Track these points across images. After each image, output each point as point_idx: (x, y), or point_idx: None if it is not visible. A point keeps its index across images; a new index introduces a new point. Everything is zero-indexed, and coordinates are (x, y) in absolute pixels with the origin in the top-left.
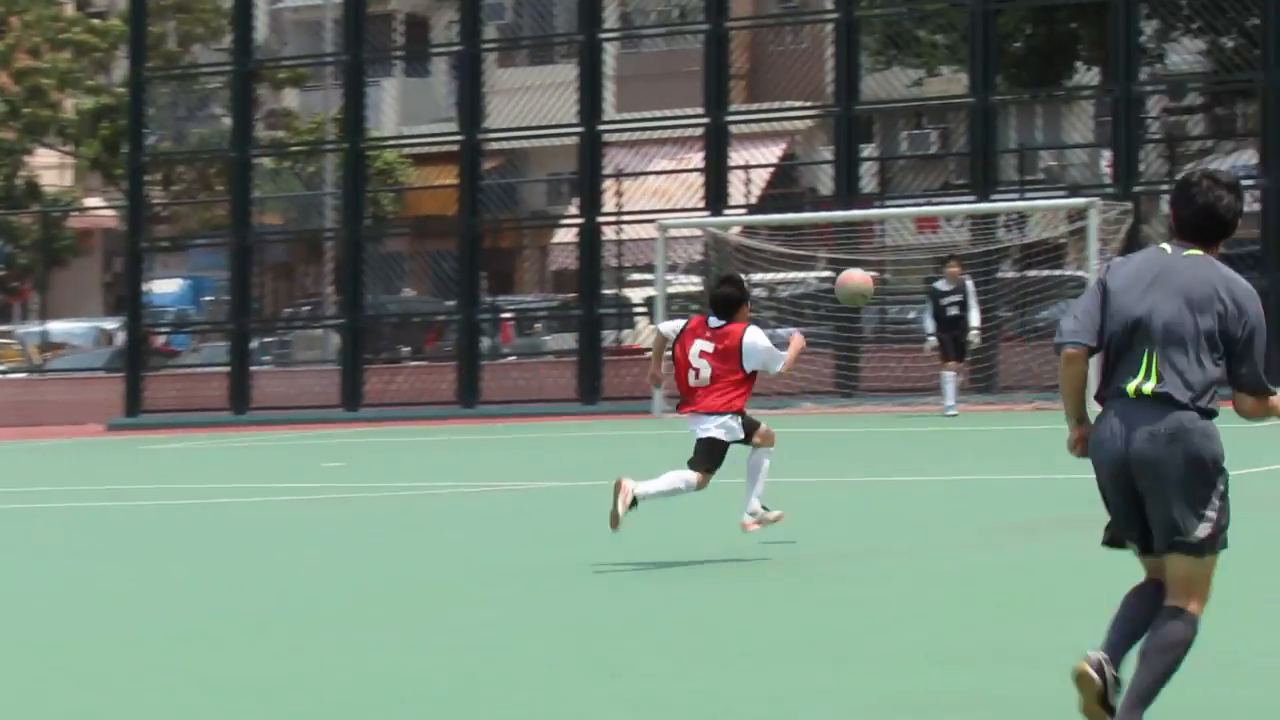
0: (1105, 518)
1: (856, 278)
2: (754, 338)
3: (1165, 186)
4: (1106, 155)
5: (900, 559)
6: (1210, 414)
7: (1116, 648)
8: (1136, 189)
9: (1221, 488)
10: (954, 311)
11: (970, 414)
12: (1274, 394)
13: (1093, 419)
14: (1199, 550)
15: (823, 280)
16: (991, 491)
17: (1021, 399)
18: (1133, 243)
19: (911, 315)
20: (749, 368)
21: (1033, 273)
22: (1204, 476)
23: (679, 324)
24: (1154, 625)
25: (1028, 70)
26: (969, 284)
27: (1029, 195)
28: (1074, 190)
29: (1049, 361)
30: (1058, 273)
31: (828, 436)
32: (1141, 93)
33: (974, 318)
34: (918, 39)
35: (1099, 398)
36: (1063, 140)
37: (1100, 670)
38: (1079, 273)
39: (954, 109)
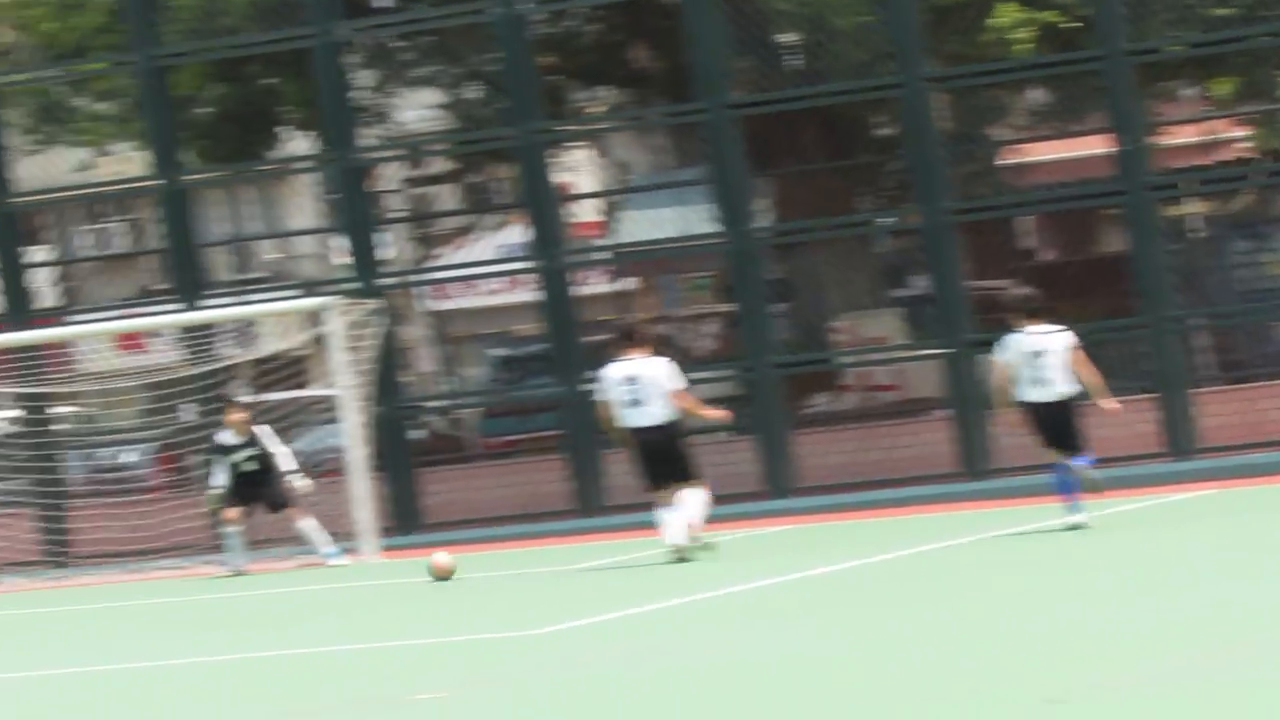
0: None
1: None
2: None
3: (417, 277)
4: (342, 242)
5: None
6: None
7: None
8: (382, 281)
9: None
10: (252, 466)
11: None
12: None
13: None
14: None
15: (11, 421)
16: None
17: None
18: (391, 349)
19: (125, 458)
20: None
21: (273, 395)
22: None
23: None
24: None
25: (224, 141)
26: (263, 431)
27: (250, 298)
28: (308, 288)
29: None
30: (303, 393)
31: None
32: (365, 161)
33: (285, 463)
34: (74, 110)
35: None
36: (283, 226)
37: None
38: (328, 391)
39: (138, 194)
